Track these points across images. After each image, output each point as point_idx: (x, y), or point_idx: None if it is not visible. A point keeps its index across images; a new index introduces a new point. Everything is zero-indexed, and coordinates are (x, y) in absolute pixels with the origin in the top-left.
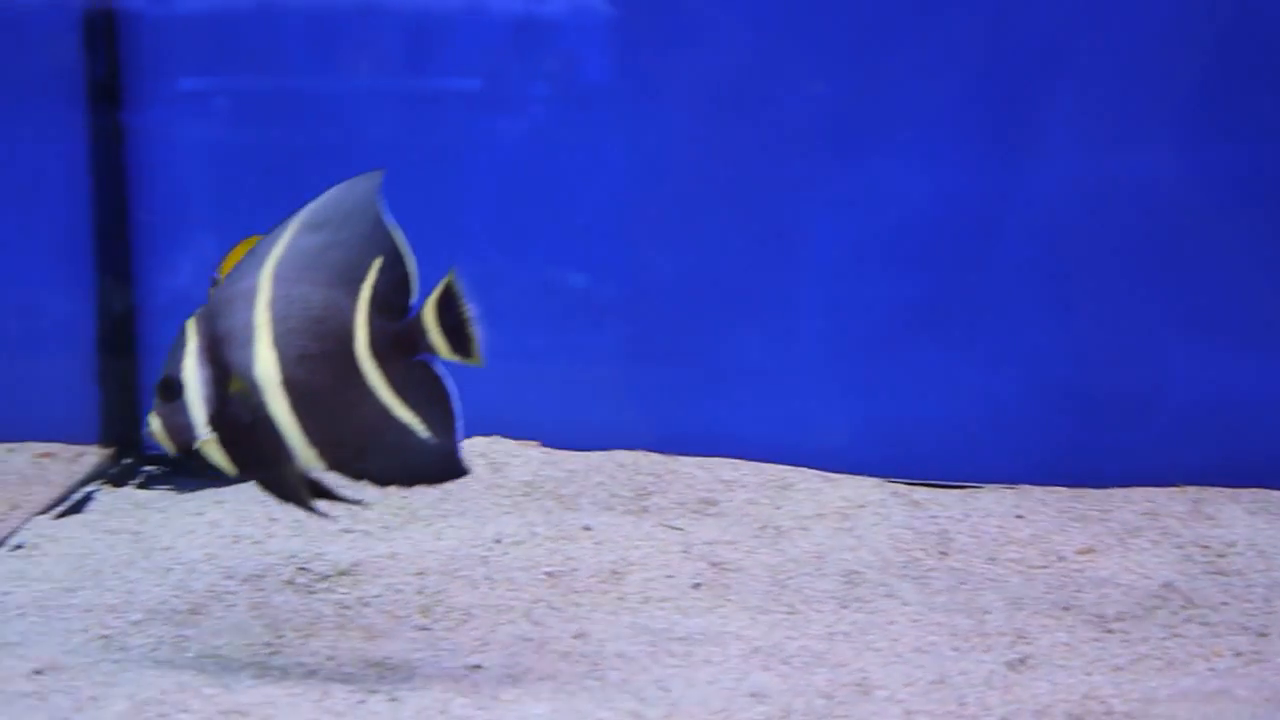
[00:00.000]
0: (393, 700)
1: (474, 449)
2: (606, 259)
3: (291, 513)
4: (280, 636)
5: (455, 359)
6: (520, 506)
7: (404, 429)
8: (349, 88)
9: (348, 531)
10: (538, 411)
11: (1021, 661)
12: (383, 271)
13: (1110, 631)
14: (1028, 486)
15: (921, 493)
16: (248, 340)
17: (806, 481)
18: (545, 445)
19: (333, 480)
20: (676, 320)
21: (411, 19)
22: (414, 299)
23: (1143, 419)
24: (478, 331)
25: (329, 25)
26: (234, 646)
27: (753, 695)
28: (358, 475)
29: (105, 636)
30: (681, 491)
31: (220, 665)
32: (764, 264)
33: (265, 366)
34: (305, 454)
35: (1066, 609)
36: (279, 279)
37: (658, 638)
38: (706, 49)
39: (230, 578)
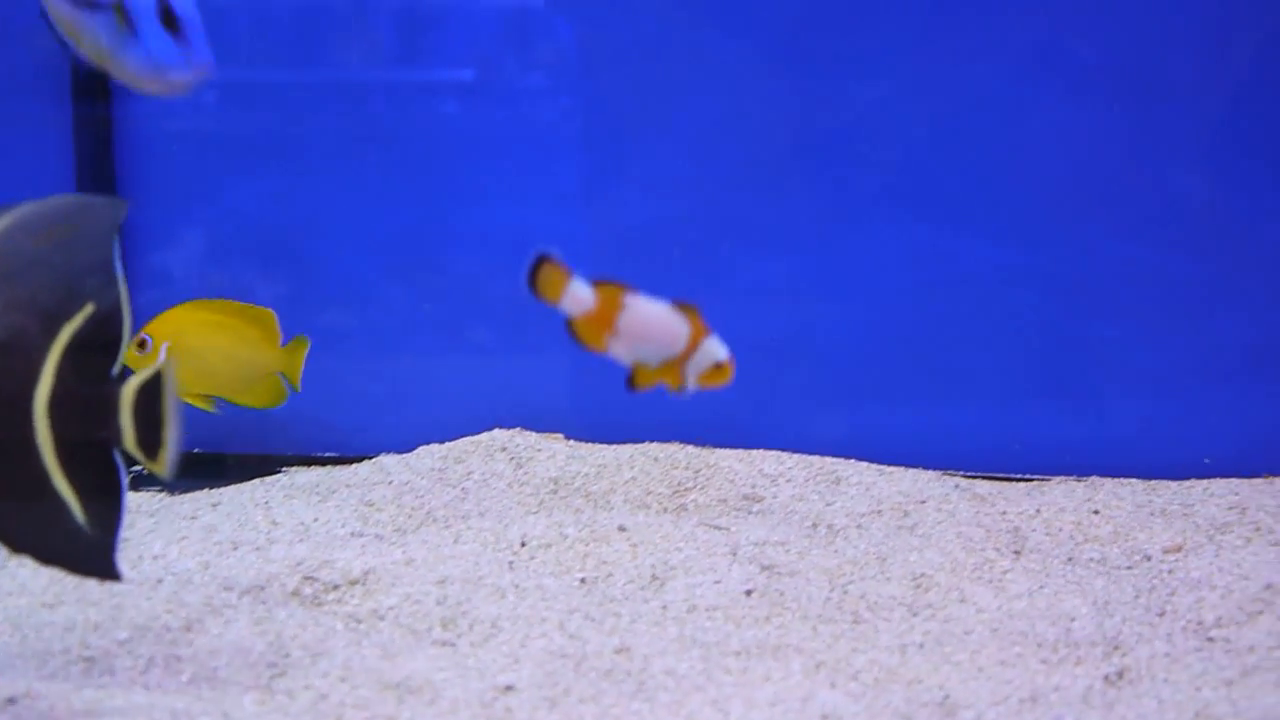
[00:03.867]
0: None
1: (494, 443)
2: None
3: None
4: (286, 655)
5: (137, 454)
6: (547, 505)
7: (59, 506)
8: (335, 78)
9: (357, 536)
10: (562, 403)
11: (1119, 675)
12: (90, 321)
13: (1212, 640)
14: (1098, 478)
15: (984, 486)
16: None
17: (858, 474)
18: (570, 438)
19: None
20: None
21: (401, 9)
22: (114, 368)
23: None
24: (174, 439)
25: (314, 15)
26: (233, 667)
27: (823, 717)
28: None
29: (88, 658)
30: (722, 487)
31: (218, 690)
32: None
33: None
34: None
35: (1161, 614)
36: None
37: (710, 652)
38: None
39: (229, 589)
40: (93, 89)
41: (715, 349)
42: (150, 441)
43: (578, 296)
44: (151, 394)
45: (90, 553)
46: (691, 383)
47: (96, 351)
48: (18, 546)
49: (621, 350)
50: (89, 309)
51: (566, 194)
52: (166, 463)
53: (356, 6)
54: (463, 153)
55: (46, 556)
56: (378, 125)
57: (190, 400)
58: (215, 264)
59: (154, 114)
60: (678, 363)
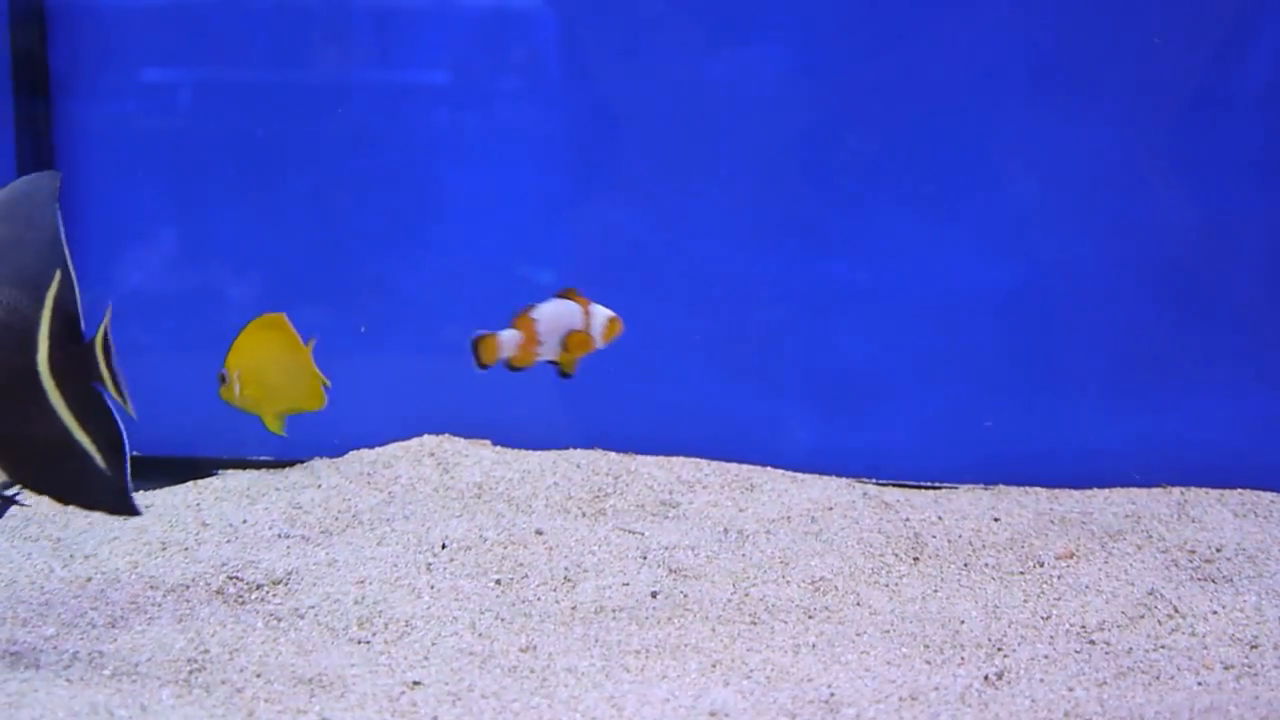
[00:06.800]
0: None
1: (423, 448)
2: (565, 252)
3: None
4: (205, 652)
5: (117, 397)
6: (470, 509)
7: (83, 454)
8: (273, 79)
9: (284, 537)
10: (490, 410)
11: (999, 675)
12: (62, 286)
13: (1093, 643)
14: (1004, 487)
15: (893, 494)
16: None
17: (772, 482)
18: (497, 444)
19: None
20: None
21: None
22: (82, 323)
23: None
24: (122, 379)
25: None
26: (154, 663)
27: (711, 714)
28: (38, 490)
29: (14, 653)
30: (640, 493)
31: (138, 683)
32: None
33: None
34: None
35: (1046, 618)
36: None
37: (611, 651)
38: None
39: (154, 588)
40: (33, 84)
41: (601, 313)
42: (119, 385)
43: (507, 343)
44: (106, 346)
45: (114, 494)
46: (600, 343)
47: (69, 313)
48: (65, 500)
49: (548, 352)
50: (58, 276)
51: (512, 205)
52: (127, 400)
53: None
54: (410, 164)
55: (85, 503)
56: (303, 130)
57: (271, 425)
58: (148, 259)
59: (95, 110)
60: (585, 335)
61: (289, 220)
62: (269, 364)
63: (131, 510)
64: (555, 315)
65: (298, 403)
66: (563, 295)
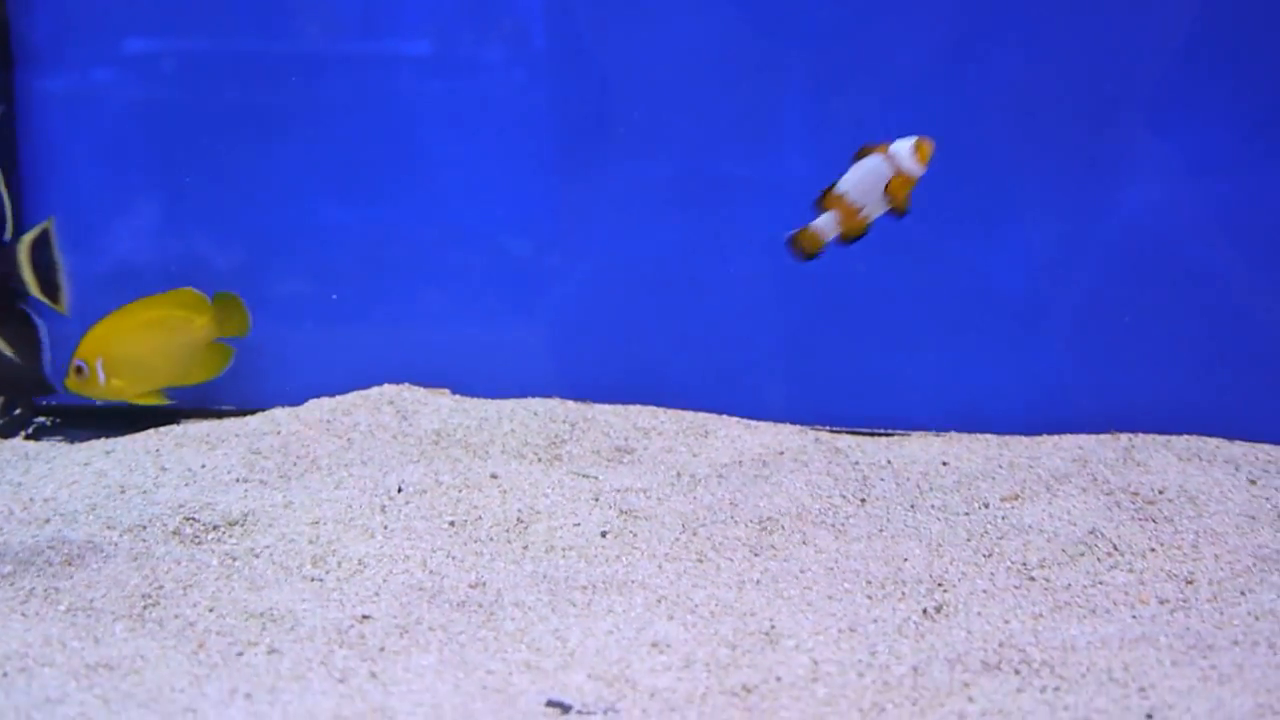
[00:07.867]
0: (272, 652)
1: (383, 396)
2: (531, 214)
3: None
4: (159, 588)
5: (43, 300)
6: (427, 455)
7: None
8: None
9: (242, 481)
10: (450, 360)
11: (938, 609)
12: None
13: (1032, 579)
14: (955, 433)
15: (845, 439)
16: None
17: (726, 429)
18: (456, 393)
19: None
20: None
21: None
22: (5, 235)
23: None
24: (66, 282)
25: None
26: (109, 599)
27: (653, 645)
28: None
29: None
30: (597, 439)
31: (92, 618)
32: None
33: None
34: None
35: (988, 556)
36: None
37: (559, 586)
38: None
39: (111, 528)
40: None
41: (903, 147)
42: (50, 287)
43: (828, 225)
44: (41, 247)
45: (29, 378)
46: (920, 170)
47: None
48: None
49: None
50: None
51: (489, 169)
52: (65, 303)
53: None
54: (382, 127)
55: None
56: (278, 98)
57: (144, 400)
58: (119, 232)
59: (60, 82)
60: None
61: (262, 188)
62: (145, 350)
63: (47, 389)
64: (862, 178)
65: (187, 379)
66: (858, 157)
